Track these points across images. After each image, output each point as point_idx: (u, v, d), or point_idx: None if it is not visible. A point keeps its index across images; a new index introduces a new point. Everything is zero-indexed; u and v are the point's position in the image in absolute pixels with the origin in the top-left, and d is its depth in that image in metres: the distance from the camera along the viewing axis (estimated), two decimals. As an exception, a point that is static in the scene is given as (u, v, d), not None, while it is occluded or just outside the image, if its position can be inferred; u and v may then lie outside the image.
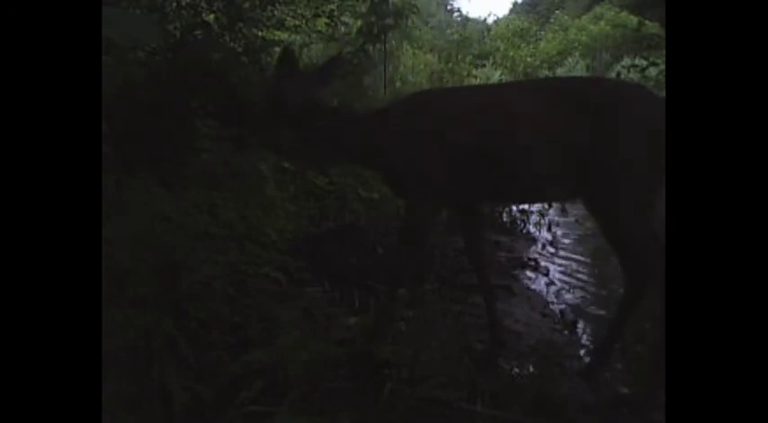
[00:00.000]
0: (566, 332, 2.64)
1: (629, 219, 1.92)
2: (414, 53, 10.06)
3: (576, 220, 4.76)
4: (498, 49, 15.81)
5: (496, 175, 2.04)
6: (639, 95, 1.99)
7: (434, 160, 2.04)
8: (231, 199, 2.65)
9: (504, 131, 2.01)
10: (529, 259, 3.74)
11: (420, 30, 12.32)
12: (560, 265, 3.73)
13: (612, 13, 15.85)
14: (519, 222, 4.47)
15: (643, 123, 1.87)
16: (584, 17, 17.63)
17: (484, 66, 13.33)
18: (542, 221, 4.56)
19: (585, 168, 1.91)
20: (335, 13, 5.68)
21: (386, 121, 2.16)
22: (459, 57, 10.92)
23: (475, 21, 21.08)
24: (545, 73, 14.72)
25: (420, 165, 2.07)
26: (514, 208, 4.50)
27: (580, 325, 2.71)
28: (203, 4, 4.54)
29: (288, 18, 5.47)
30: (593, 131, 1.88)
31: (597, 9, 16.97)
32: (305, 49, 6.48)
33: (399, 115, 2.16)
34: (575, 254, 3.98)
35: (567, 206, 4.40)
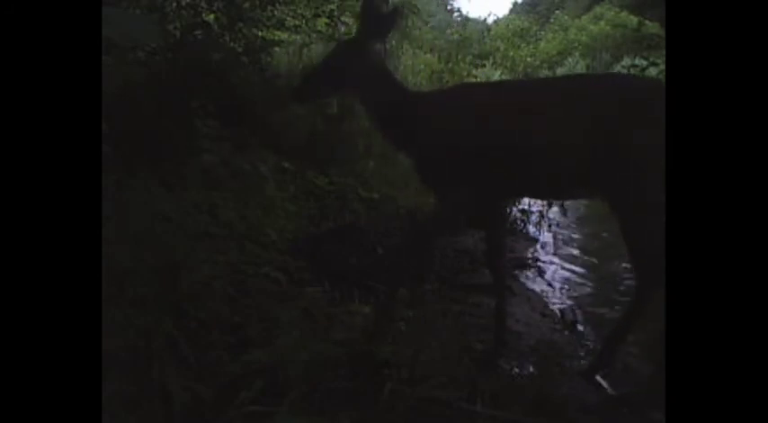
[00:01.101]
0: (566, 332, 2.64)
1: (640, 218, 1.91)
2: (414, 53, 10.05)
3: (577, 220, 4.76)
4: (498, 49, 15.83)
5: (517, 173, 2.05)
6: (656, 91, 1.98)
7: (469, 155, 2.05)
8: (231, 199, 2.65)
9: (522, 130, 2.01)
10: (529, 259, 3.75)
11: (420, 30, 12.33)
12: (560, 265, 3.73)
13: (612, 13, 15.88)
14: (519, 222, 4.47)
15: (658, 121, 1.87)
16: (584, 17, 17.66)
17: (484, 66, 13.34)
18: (542, 221, 4.56)
19: (602, 167, 1.90)
20: (335, 13, 5.68)
21: (428, 109, 2.16)
22: (459, 57, 10.91)
23: (475, 21, 21.16)
24: (545, 73, 14.73)
25: (455, 158, 2.06)
26: (514, 208, 4.51)
27: (580, 325, 2.71)
28: (203, 4, 4.53)
29: (288, 18, 5.47)
30: (608, 130, 1.88)
31: (597, 9, 17.01)
32: (305, 49, 6.48)
33: (443, 106, 2.15)
34: (575, 254, 3.98)
35: (568, 206, 4.41)
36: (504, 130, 2.03)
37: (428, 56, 10.52)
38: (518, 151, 2.01)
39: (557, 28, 18.48)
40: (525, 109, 2.04)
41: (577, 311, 2.89)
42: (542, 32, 18.97)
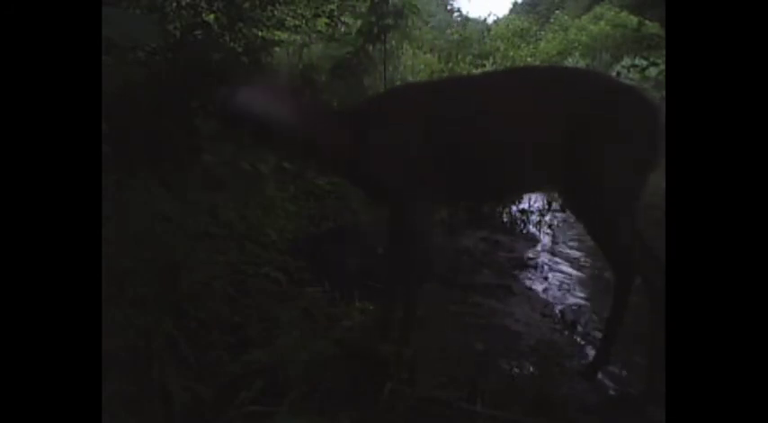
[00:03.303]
0: (566, 332, 2.64)
1: (612, 219, 1.93)
2: (414, 53, 10.06)
3: (577, 220, 4.76)
4: (498, 49, 15.81)
5: (474, 174, 2.00)
6: (625, 95, 1.98)
7: (426, 157, 1.97)
8: (231, 199, 2.65)
9: (482, 127, 1.96)
10: (529, 259, 3.75)
11: (420, 30, 12.33)
12: (560, 264, 3.73)
13: (612, 13, 15.88)
14: (519, 222, 4.47)
15: (629, 125, 1.88)
16: (584, 17, 17.67)
17: (484, 66, 13.33)
18: (542, 221, 4.56)
19: (565, 168, 1.90)
20: (335, 13, 5.68)
21: (369, 121, 2.01)
22: (459, 57, 10.94)
23: (475, 21, 21.15)
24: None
25: (413, 163, 1.98)
26: (514, 208, 4.51)
27: (580, 325, 2.71)
28: (203, 4, 4.53)
29: (288, 18, 5.47)
30: (573, 129, 1.87)
31: (597, 9, 17.02)
32: (305, 49, 6.48)
33: (384, 113, 2.04)
34: (575, 254, 3.98)
35: (567, 206, 4.41)
36: (454, 128, 1.95)
37: (428, 56, 10.54)
38: (468, 151, 1.95)
39: (557, 28, 18.48)
40: (475, 107, 1.98)
41: (577, 311, 2.89)
42: (542, 32, 18.96)
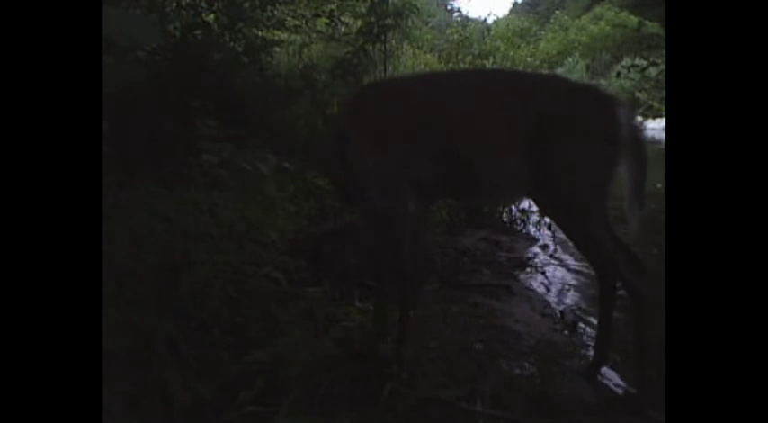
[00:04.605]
0: (566, 332, 2.64)
1: (584, 212, 1.94)
2: (414, 53, 10.07)
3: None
4: (498, 49, 15.81)
5: (450, 172, 2.02)
6: (584, 94, 2.02)
7: (406, 156, 2.01)
8: (231, 199, 2.65)
9: (451, 128, 1.99)
10: (529, 259, 3.75)
11: (420, 30, 12.33)
12: (560, 264, 3.73)
13: (612, 13, 15.92)
14: (519, 222, 4.48)
15: (588, 123, 1.90)
16: (584, 17, 17.72)
17: (484, 66, 13.33)
18: (542, 221, 4.56)
19: (537, 171, 1.92)
20: (335, 13, 5.69)
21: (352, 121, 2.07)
22: (459, 57, 10.94)
23: (475, 21, 21.20)
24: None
25: (395, 161, 2.02)
26: (514, 208, 4.51)
27: (580, 325, 2.71)
28: (203, 4, 4.54)
29: (288, 18, 5.48)
30: (541, 133, 1.89)
31: (597, 9, 17.07)
32: (305, 49, 6.49)
33: (361, 113, 2.09)
34: (574, 253, 3.98)
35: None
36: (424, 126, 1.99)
37: (428, 56, 10.54)
38: (442, 150, 1.97)
39: (557, 28, 18.54)
40: (447, 106, 2.01)
41: (577, 311, 2.89)
42: (542, 32, 19.01)
